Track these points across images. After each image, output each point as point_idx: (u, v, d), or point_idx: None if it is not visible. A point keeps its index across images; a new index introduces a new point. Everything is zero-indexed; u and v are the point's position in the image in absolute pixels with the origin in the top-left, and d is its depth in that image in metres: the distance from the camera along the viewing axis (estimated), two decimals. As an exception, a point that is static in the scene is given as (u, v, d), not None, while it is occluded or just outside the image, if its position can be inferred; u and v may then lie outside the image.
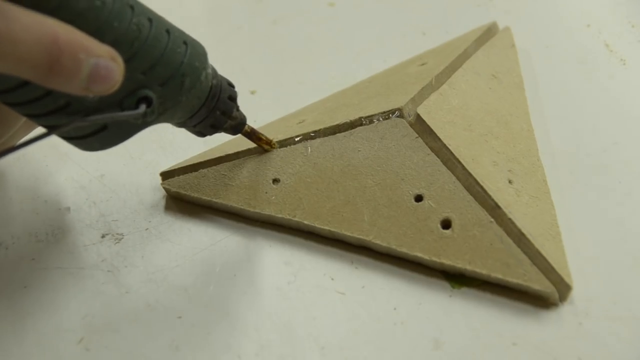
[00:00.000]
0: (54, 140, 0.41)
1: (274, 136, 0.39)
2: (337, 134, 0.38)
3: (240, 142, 0.40)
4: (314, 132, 0.38)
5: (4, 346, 0.33)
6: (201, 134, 0.35)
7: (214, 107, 0.33)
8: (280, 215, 0.36)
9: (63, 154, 0.41)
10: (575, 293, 0.34)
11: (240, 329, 0.33)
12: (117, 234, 0.37)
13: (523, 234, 0.34)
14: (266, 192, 0.37)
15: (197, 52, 0.31)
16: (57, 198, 0.39)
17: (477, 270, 0.33)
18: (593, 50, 0.47)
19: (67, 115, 0.29)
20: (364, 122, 0.38)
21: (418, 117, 0.37)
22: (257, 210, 0.37)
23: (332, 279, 0.35)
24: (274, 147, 0.38)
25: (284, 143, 0.39)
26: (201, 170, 0.38)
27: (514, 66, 0.45)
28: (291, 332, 0.33)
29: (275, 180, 0.37)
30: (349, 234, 0.35)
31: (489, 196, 0.35)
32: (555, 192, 0.38)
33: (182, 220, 0.38)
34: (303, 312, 0.34)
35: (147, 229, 0.38)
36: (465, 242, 0.34)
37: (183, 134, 0.42)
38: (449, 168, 0.36)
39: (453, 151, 0.36)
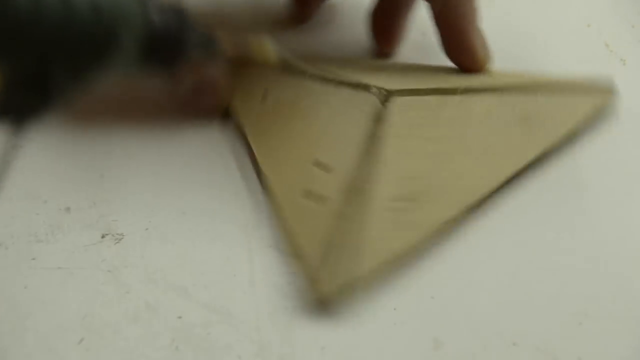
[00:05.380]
0: (55, 139, 0.42)
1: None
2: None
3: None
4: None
5: (4, 346, 0.33)
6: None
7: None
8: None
9: (63, 154, 0.41)
10: (575, 293, 0.34)
11: (240, 329, 0.33)
12: (117, 234, 0.37)
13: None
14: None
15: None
16: (57, 198, 0.39)
17: None
18: (593, 50, 0.47)
19: None
20: None
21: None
22: None
23: (332, 279, 0.35)
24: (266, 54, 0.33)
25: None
26: None
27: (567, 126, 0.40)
28: (291, 332, 0.33)
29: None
30: None
31: None
32: (555, 192, 0.38)
33: (182, 220, 0.38)
34: (303, 312, 0.34)
35: (147, 229, 0.38)
36: None
37: (183, 134, 0.42)
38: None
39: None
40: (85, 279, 0.35)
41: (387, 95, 0.37)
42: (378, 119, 0.37)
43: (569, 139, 0.39)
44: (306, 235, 0.34)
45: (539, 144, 0.38)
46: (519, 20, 0.51)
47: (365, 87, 0.38)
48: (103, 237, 0.37)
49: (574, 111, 0.40)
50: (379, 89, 0.38)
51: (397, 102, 0.37)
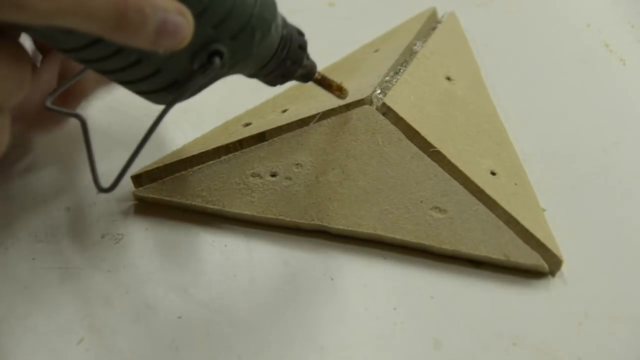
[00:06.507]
0: (54, 140, 0.42)
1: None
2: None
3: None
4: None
5: (4, 346, 0.33)
6: (272, 83, 0.35)
7: (285, 58, 0.33)
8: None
9: (63, 154, 0.41)
10: (575, 293, 0.34)
11: (240, 329, 0.33)
12: (117, 234, 0.37)
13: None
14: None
15: (266, 3, 0.31)
16: (57, 198, 0.39)
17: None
18: (593, 50, 0.47)
19: (137, 71, 0.29)
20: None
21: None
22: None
23: (332, 279, 0.35)
24: (344, 93, 0.37)
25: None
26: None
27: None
28: (291, 331, 0.33)
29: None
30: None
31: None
32: (556, 192, 0.38)
33: (182, 220, 0.38)
34: (303, 312, 0.34)
35: (147, 229, 0.38)
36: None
37: (184, 133, 0.42)
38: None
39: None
40: (85, 279, 0.35)
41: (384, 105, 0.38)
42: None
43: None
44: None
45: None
46: (519, 20, 0.51)
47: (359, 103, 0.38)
48: (103, 237, 0.37)
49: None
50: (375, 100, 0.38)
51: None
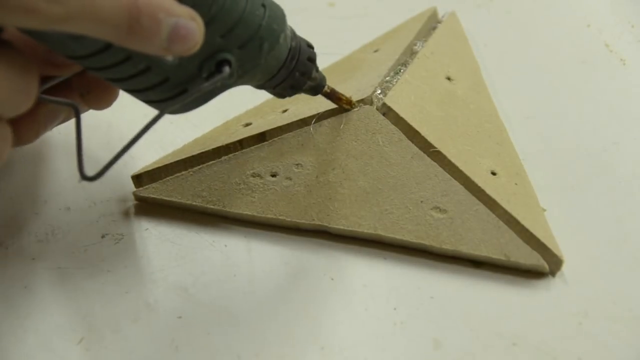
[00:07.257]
0: (55, 140, 0.42)
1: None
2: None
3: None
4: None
5: (4, 346, 0.33)
6: (281, 95, 0.35)
7: (293, 69, 0.33)
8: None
9: (63, 154, 0.41)
10: (575, 293, 0.34)
11: (240, 329, 0.33)
12: (117, 234, 0.37)
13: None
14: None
15: (275, 15, 0.31)
16: (57, 198, 0.39)
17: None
18: (593, 50, 0.47)
19: (146, 79, 0.29)
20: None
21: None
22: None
23: (332, 279, 0.35)
24: (353, 107, 0.38)
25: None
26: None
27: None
28: (291, 332, 0.33)
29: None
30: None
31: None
32: (555, 191, 0.38)
33: (182, 220, 0.38)
34: (303, 312, 0.34)
35: (147, 229, 0.38)
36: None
37: (184, 133, 0.42)
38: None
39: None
40: (85, 279, 0.35)
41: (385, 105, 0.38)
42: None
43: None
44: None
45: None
46: (519, 20, 0.51)
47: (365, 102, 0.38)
48: (103, 237, 0.37)
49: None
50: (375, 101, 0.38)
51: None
